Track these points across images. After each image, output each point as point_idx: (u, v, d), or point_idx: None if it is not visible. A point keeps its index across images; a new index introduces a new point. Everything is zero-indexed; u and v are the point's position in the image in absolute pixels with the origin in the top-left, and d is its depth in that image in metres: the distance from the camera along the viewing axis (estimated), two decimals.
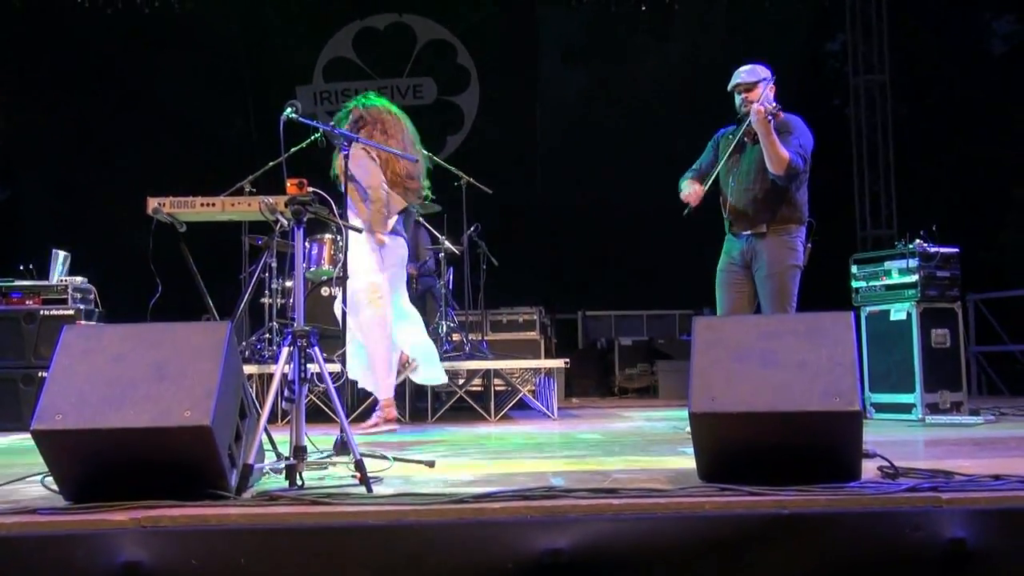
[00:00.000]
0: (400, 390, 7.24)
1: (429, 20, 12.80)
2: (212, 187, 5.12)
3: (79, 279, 7.53)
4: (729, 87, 5.89)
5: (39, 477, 3.67)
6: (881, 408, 7.36)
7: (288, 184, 4.07)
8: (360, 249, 5.95)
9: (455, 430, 6.97)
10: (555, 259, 12.01)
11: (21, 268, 7.51)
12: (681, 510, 3.19)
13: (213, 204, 4.35)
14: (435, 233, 8.57)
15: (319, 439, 4.59)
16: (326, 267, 6.34)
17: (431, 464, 4.42)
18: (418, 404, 7.91)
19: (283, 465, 3.80)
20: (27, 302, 7.31)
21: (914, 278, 7.25)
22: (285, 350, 3.86)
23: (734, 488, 3.34)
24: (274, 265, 8.08)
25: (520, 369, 8.50)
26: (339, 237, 6.36)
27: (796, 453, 3.51)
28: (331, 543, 3.06)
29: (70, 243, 7.97)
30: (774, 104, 5.59)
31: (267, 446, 4.14)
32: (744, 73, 5.84)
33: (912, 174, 12.67)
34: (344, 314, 5.00)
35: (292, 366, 3.87)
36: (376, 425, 5.78)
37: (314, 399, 6.99)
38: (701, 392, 3.62)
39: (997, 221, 12.52)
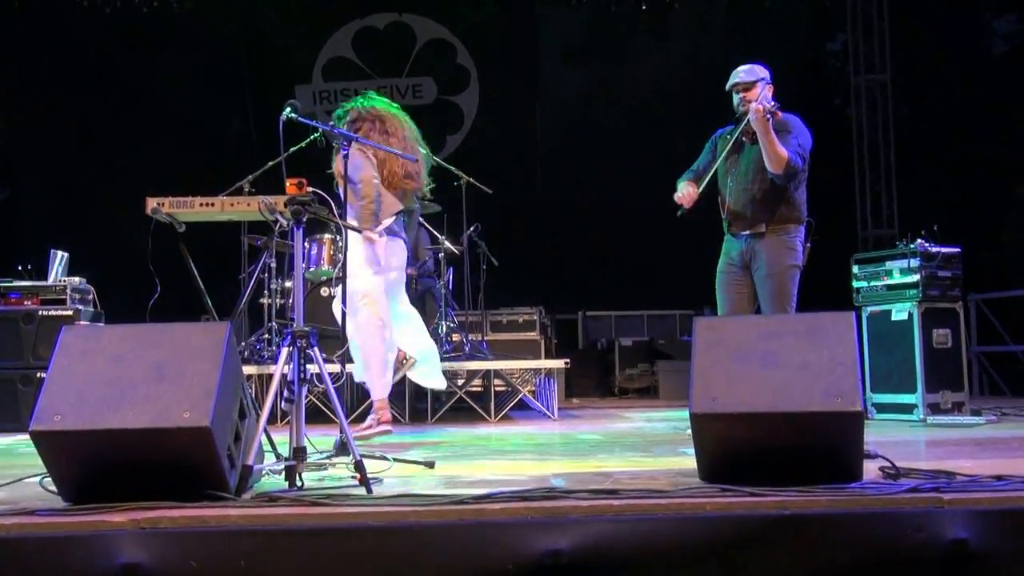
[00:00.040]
0: (400, 390, 7.23)
1: (429, 20, 12.78)
2: (211, 187, 5.11)
3: (78, 279, 7.51)
4: (727, 87, 5.88)
5: (38, 478, 3.66)
6: (882, 408, 7.35)
7: (287, 184, 4.06)
8: (356, 250, 5.91)
9: (455, 431, 6.96)
10: (555, 259, 12.00)
11: (20, 268, 7.50)
12: (682, 511, 3.18)
13: (212, 204, 4.34)
14: (435, 233, 8.56)
15: (318, 440, 4.58)
16: (325, 267, 6.33)
17: (431, 465, 4.41)
18: (418, 405, 7.89)
19: (283, 466, 3.79)
20: (25, 302, 7.29)
21: (915, 278, 7.23)
22: (284, 350, 3.86)
23: (735, 489, 3.34)
24: (273, 265, 8.06)
25: (520, 369, 8.49)
26: (338, 237, 6.35)
27: (797, 454, 3.51)
28: (331, 544, 3.06)
29: (69, 243, 7.95)
30: (772, 103, 5.58)
31: (266, 447, 4.13)
32: (742, 73, 5.83)
33: (913, 174, 12.66)
34: (344, 314, 4.98)
35: (291, 367, 3.86)
36: (370, 427, 5.74)
37: (313, 400, 6.97)
38: (702, 393, 3.61)
39: (998, 221, 12.50)
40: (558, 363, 8.35)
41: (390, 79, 12.73)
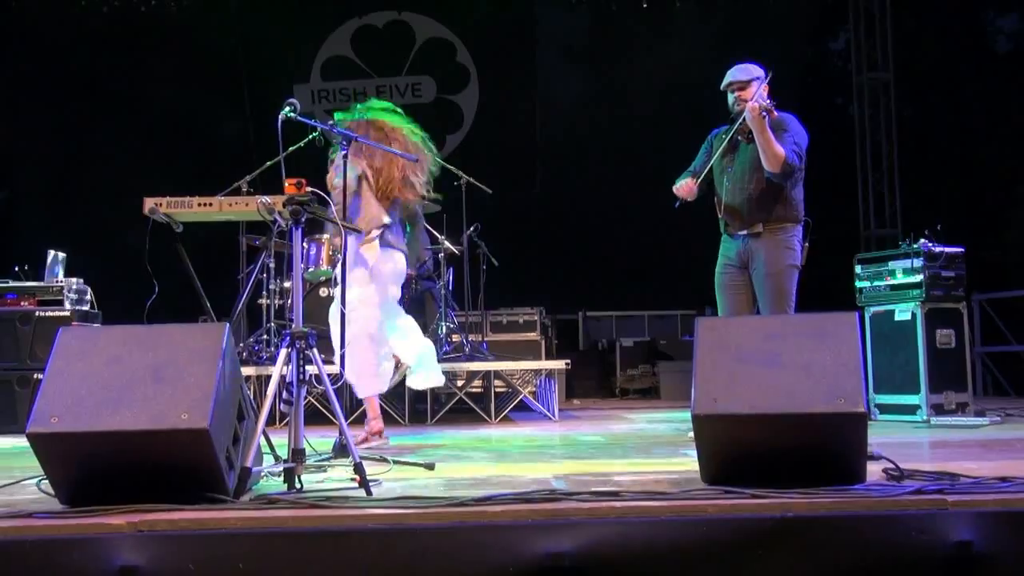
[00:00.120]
0: (400, 392, 7.20)
1: (428, 18, 12.76)
2: (209, 187, 5.09)
3: (75, 280, 7.49)
4: (722, 86, 5.87)
5: (35, 480, 3.65)
6: (885, 409, 7.32)
7: (286, 184, 4.04)
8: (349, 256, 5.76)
9: (455, 432, 6.95)
10: (555, 259, 11.96)
11: (16, 269, 7.47)
12: (684, 513, 3.17)
13: (210, 204, 4.33)
14: (435, 233, 8.54)
15: (318, 442, 4.57)
16: (324, 267, 6.29)
17: (431, 467, 4.39)
18: (418, 406, 7.87)
19: (281, 468, 3.78)
20: (22, 303, 7.27)
21: (919, 278, 7.21)
22: (283, 351, 3.84)
23: (737, 491, 3.33)
24: (272, 266, 8.04)
25: (520, 370, 8.46)
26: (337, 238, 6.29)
27: (800, 455, 3.49)
28: (330, 547, 3.04)
29: (66, 243, 7.92)
30: (768, 101, 5.56)
31: (265, 449, 4.12)
32: (737, 71, 5.82)
33: (916, 173, 12.62)
34: (343, 315, 4.95)
35: (290, 368, 3.84)
36: (366, 440, 5.67)
37: (312, 401, 6.95)
38: (704, 394, 3.60)
39: (1002, 220, 12.46)
40: (559, 364, 8.33)
41: (389, 78, 12.71)
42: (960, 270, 7.29)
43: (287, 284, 7.89)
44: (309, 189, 4.06)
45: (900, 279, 7.37)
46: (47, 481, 3.44)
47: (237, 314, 5.37)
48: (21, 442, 3.70)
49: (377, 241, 5.62)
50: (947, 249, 7.30)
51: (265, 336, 7.99)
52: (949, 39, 13.10)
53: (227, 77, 12.31)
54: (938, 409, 7.06)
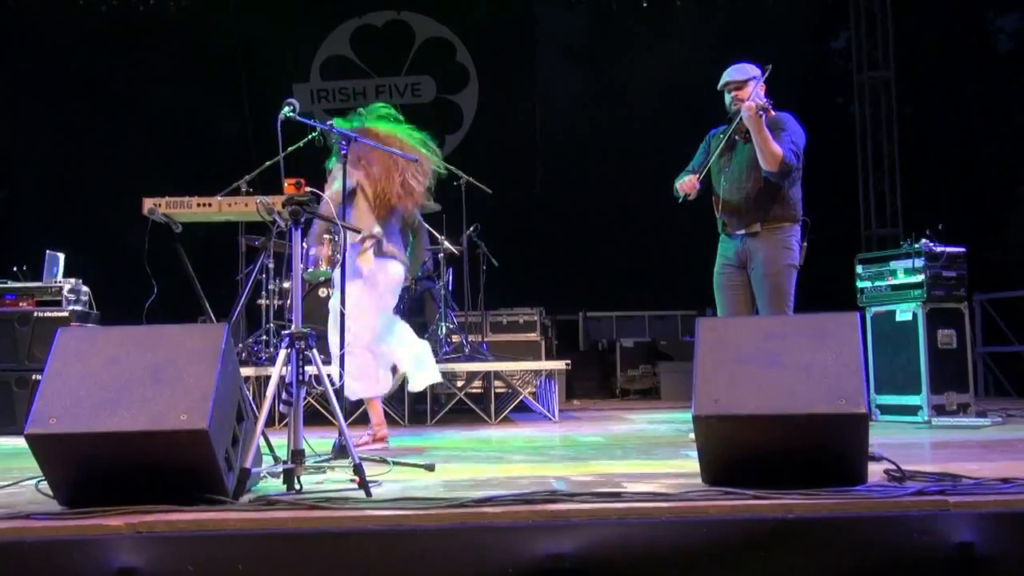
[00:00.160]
0: (399, 393, 7.19)
1: (428, 18, 12.74)
2: (208, 187, 5.07)
3: (73, 280, 7.47)
4: (719, 86, 5.87)
5: (33, 481, 3.64)
6: (887, 410, 7.32)
7: (285, 184, 4.03)
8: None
9: (455, 433, 6.94)
10: (555, 259, 11.94)
11: (15, 269, 7.46)
12: (685, 514, 3.16)
13: (209, 204, 4.32)
14: (434, 233, 8.52)
15: (317, 443, 4.56)
16: (324, 268, 6.27)
17: (431, 468, 4.38)
18: (417, 407, 7.86)
19: (281, 469, 3.77)
20: (21, 304, 7.25)
21: (920, 278, 7.21)
22: (283, 352, 3.83)
23: (738, 492, 3.32)
24: (271, 266, 8.03)
25: (520, 371, 8.45)
26: (337, 238, 6.26)
27: (801, 456, 3.49)
28: (330, 548, 3.04)
29: (65, 244, 7.91)
30: (765, 100, 5.56)
31: (264, 450, 4.11)
32: (734, 71, 5.82)
33: (917, 172, 12.59)
34: (342, 315, 4.94)
35: (290, 368, 3.83)
36: (367, 444, 5.65)
37: (312, 402, 6.94)
38: (704, 394, 3.59)
39: (1003, 220, 12.43)
40: (559, 364, 8.32)
41: (388, 78, 12.70)
42: (961, 270, 7.28)
43: (286, 285, 7.88)
44: (308, 189, 4.05)
45: (901, 279, 7.36)
46: (45, 482, 3.43)
47: (236, 315, 5.34)
48: (20, 443, 3.69)
49: (371, 252, 5.59)
50: (948, 249, 7.29)
51: (264, 337, 7.98)
52: (950, 38, 13.07)
53: (226, 77, 12.29)
54: (939, 410, 7.05)
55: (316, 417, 6.81)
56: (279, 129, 4.49)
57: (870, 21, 12.70)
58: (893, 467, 3.71)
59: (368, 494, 3.53)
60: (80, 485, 3.34)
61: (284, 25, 12.55)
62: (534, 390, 8.51)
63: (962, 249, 7.34)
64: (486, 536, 3.06)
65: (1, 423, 6.97)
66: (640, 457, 5.05)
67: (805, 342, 3.65)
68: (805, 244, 5.75)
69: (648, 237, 11.22)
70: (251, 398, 4.30)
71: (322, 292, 7.94)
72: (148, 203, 4.30)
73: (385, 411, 6.91)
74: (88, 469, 3.32)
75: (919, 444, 5.73)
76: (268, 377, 5.60)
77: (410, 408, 7.74)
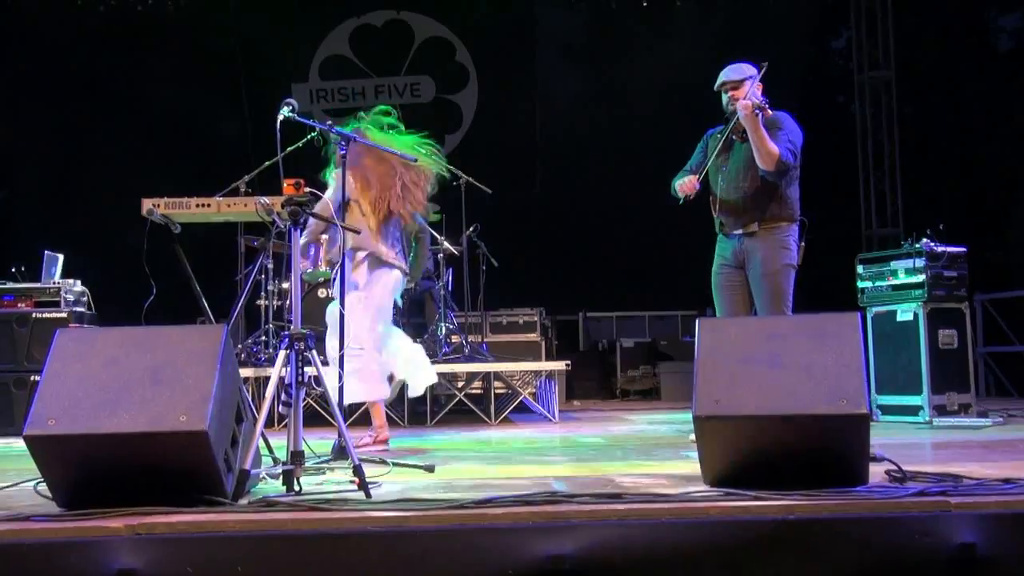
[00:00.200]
0: (399, 393, 7.17)
1: (427, 17, 12.72)
2: (207, 187, 5.07)
3: (72, 281, 7.46)
4: (715, 86, 5.87)
5: (32, 483, 3.64)
6: (888, 410, 7.31)
7: (285, 184, 4.02)
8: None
9: (455, 434, 6.93)
10: (555, 259, 11.93)
11: (13, 270, 7.45)
12: (686, 516, 3.16)
13: (208, 205, 4.31)
14: (434, 234, 8.51)
15: (317, 444, 4.54)
16: (323, 268, 6.26)
17: (430, 469, 4.37)
18: (417, 408, 7.84)
19: (280, 470, 3.75)
20: (19, 304, 7.24)
21: (921, 278, 7.20)
22: (282, 353, 3.82)
23: (739, 493, 3.32)
24: (270, 267, 8.02)
25: (520, 371, 8.44)
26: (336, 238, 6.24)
27: (802, 457, 3.48)
28: (329, 550, 3.03)
29: (63, 245, 7.89)
30: (761, 99, 5.56)
31: (264, 451, 4.10)
32: (730, 71, 5.82)
33: (918, 172, 12.57)
34: (342, 317, 4.93)
35: (289, 369, 3.82)
36: (367, 445, 5.64)
37: (311, 403, 6.93)
38: (705, 395, 3.59)
39: (1005, 220, 12.42)
40: (559, 365, 8.31)
41: (388, 78, 12.68)
42: (962, 270, 7.27)
43: (285, 285, 7.87)
44: (307, 190, 4.04)
45: (902, 279, 7.35)
46: (44, 484, 3.42)
47: (235, 315, 5.33)
48: (18, 444, 3.68)
49: (365, 264, 5.58)
50: (949, 249, 7.28)
51: (263, 337, 7.96)
52: (950, 38, 13.06)
53: (226, 77, 12.27)
54: (940, 410, 7.04)
55: (315, 418, 6.80)
56: (278, 129, 4.48)
57: (871, 20, 12.68)
58: (894, 468, 3.71)
59: (368, 495, 3.53)
60: (79, 487, 3.33)
61: (283, 25, 12.53)
62: (534, 391, 8.49)
63: (963, 249, 7.33)
64: (486, 537, 3.05)
65: (0, 424, 6.96)
66: (640, 458, 5.04)
67: (806, 342, 3.64)
68: (803, 244, 5.74)
69: (648, 237, 11.21)
70: (250, 399, 4.29)
71: (321, 293, 7.93)
72: (147, 203, 4.30)
73: (385, 412, 6.91)
74: (87, 470, 3.31)
75: (920, 444, 5.72)
76: (267, 378, 5.58)
77: (410, 409, 7.72)
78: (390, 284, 5.69)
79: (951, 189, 12.61)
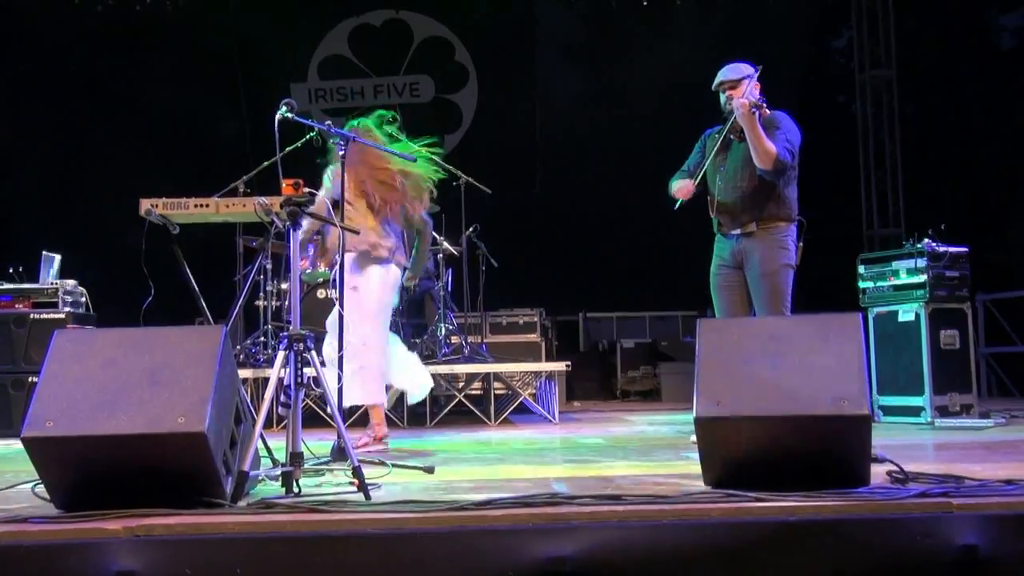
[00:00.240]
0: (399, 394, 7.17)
1: (426, 16, 12.71)
2: (208, 187, 5.05)
3: (70, 282, 7.44)
4: (713, 86, 5.87)
5: (30, 485, 3.62)
6: (889, 411, 7.29)
7: (283, 185, 4.01)
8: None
9: (454, 435, 6.92)
10: (555, 260, 11.92)
11: (11, 271, 7.43)
12: (687, 517, 3.15)
13: (207, 205, 4.29)
14: (435, 234, 8.50)
15: (316, 445, 4.53)
16: (322, 269, 6.25)
17: (430, 470, 4.36)
18: (417, 409, 7.83)
19: (279, 472, 3.74)
20: (17, 305, 7.23)
21: (922, 278, 7.18)
22: (281, 354, 3.80)
23: (741, 494, 3.31)
24: (269, 267, 8.00)
25: (520, 372, 8.42)
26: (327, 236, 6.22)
27: (804, 458, 3.47)
28: (329, 552, 3.02)
29: (61, 245, 7.88)
30: (758, 98, 5.55)
31: (263, 452, 4.08)
32: (728, 71, 5.82)
33: (919, 172, 12.56)
34: (341, 318, 4.91)
35: (288, 370, 3.80)
36: (366, 445, 5.62)
37: (311, 404, 6.91)
38: (706, 396, 3.58)
39: (1007, 220, 12.40)
40: (559, 366, 8.29)
41: (387, 77, 12.67)
42: (964, 270, 7.26)
43: (284, 286, 7.86)
44: (307, 190, 4.02)
45: (904, 279, 7.34)
46: (42, 486, 3.40)
47: (234, 316, 5.31)
48: (16, 446, 3.67)
49: (362, 262, 5.56)
50: (951, 249, 7.27)
51: (262, 338, 7.95)
52: (952, 37, 13.05)
53: (224, 77, 12.26)
54: (942, 411, 7.03)
55: (315, 419, 6.79)
56: (277, 129, 4.46)
57: (872, 20, 12.67)
58: (896, 469, 3.70)
59: (367, 497, 3.52)
60: (77, 488, 3.32)
61: (282, 24, 12.51)
62: (534, 391, 8.48)
63: (965, 249, 7.32)
64: (486, 539, 3.04)
65: None
66: (641, 459, 5.03)
67: (807, 343, 3.63)
68: (801, 244, 5.73)
69: (648, 237, 11.19)
70: (249, 400, 4.28)
71: (320, 293, 7.91)
72: (145, 204, 4.27)
73: (384, 413, 6.89)
74: (85, 472, 3.30)
75: (922, 445, 5.71)
76: (266, 379, 5.58)
77: (409, 410, 7.71)
78: (389, 280, 5.68)
79: (952, 189, 12.61)
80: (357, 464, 3.63)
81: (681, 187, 5.73)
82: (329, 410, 4.66)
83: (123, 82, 11.97)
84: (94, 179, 11.38)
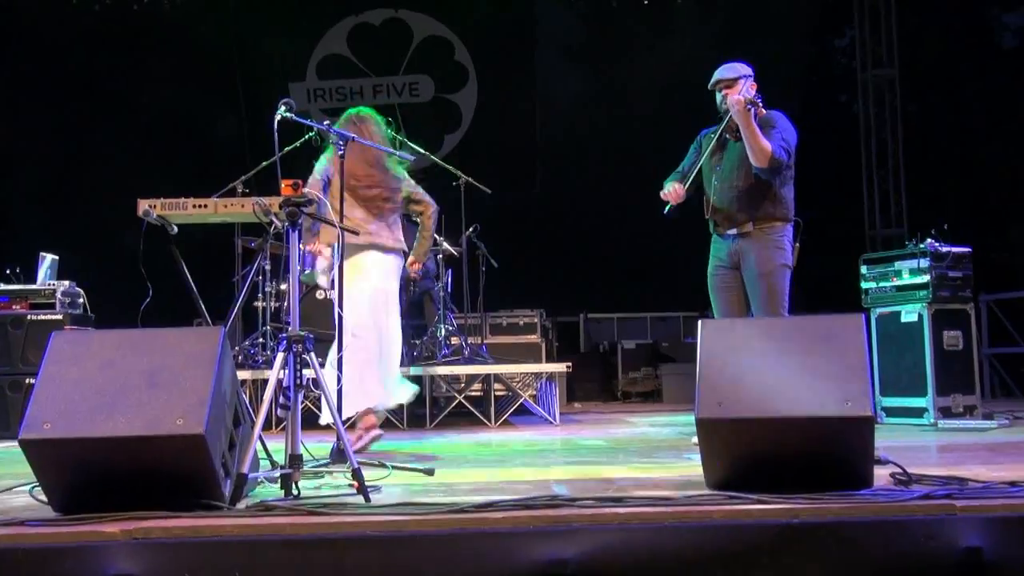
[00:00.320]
0: None
1: (426, 16, 12.69)
2: (208, 187, 5.04)
3: (67, 283, 7.43)
4: (709, 85, 5.88)
5: (27, 487, 3.60)
6: (892, 412, 7.28)
7: (283, 185, 3.99)
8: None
9: (454, 437, 6.90)
10: (556, 260, 11.91)
11: (8, 272, 7.42)
12: (689, 519, 3.14)
13: (205, 206, 4.26)
14: (434, 235, 8.47)
15: (315, 447, 4.51)
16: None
17: (430, 472, 4.34)
18: (416, 411, 7.82)
19: (278, 474, 3.73)
20: (14, 306, 7.22)
21: (925, 279, 7.17)
22: (280, 355, 3.78)
23: (743, 496, 3.30)
24: (268, 268, 7.99)
25: (521, 373, 8.41)
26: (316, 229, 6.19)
27: (806, 460, 3.46)
28: (328, 555, 3.01)
29: (58, 246, 7.87)
30: (753, 95, 5.54)
31: (262, 455, 4.07)
32: (724, 70, 5.82)
33: (922, 171, 12.55)
34: (340, 319, 4.89)
35: (287, 372, 3.78)
36: (360, 439, 5.59)
37: (310, 406, 6.88)
38: (707, 397, 3.57)
39: (1009, 219, 12.39)
40: (559, 367, 8.27)
41: (386, 77, 12.65)
42: (967, 270, 7.24)
43: (283, 287, 7.84)
44: (305, 190, 4.00)
45: (906, 280, 7.32)
46: (40, 488, 3.39)
47: (233, 317, 5.30)
48: (13, 448, 3.65)
49: (361, 254, 5.55)
50: (954, 249, 7.25)
51: (261, 339, 7.94)
52: (954, 35, 13.04)
53: (223, 76, 12.25)
54: (945, 412, 7.01)
55: (314, 421, 6.76)
56: (275, 129, 4.44)
57: (874, 18, 12.65)
58: (899, 470, 3.68)
59: (367, 499, 3.50)
60: (75, 491, 3.31)
61: (280, 23, 12.49)
62: (534, 393, 8.46)
63: (968, 249, 7.30)
64: (486, 542, 3.03)
65: None
66: (642, 461, 5.02)
67: (810, 344, 3.62)
68: (798, 245, 5.73)
69: (649, 237, 11.10)
70: (248, 402, 4.26)
71: (320, 294, 7.89)
72: (143, 204, 4.25)
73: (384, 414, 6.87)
74: (83, 475, 3.29)
75: (925, 447, 5.70)
76: (265, 380, 5.56)
77: (409, 412, 7.69)
78: (391, 269, 5.68)
79: (954, 188, 12.59)
80: (357, 466, 3.62)
81: (671, 192, 5.72)
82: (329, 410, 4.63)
83: (121, 82, 11.97)
84: (92, 179, 11.38)
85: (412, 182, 5.94)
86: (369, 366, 5.53)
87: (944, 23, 13.12)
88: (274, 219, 4.09)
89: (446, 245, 8.46)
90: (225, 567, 2.94)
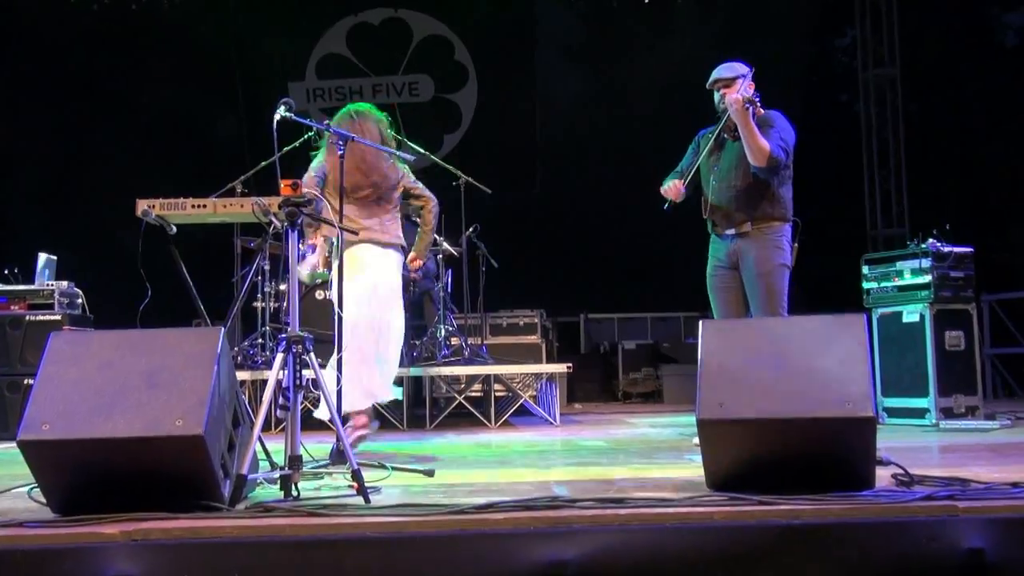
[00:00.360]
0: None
1: (426, 15, 12.67)
2: (207, 187, 5.03)
3: (66, 283, 7.42)
4: (708, 85, 5.87)
5: (26, 488, 3.60)
6: (894, 413, 7.27)
7: (282, 185, 3.98)
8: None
9: (454, 438, 6.89)
10: (556, 260, 11.90)
11: (6, 272, 7.41)
12: (689, 520, 3.14)
13: (204, 206, 4.25)
14: (434, 235, 8.46)
15: (315, 448, 4.51)
16: (321, 269, 6.21)
17: (430, 473, 4.34)
18: (416, 411, 7.81)
19: (278, 475, 3.73)
20: (12, 307, 7.21)
21: (927, 279, 7.15)
22: (279, 356, 3.77)
23: (744, 497, 3.29)
24: (267, 268, 7.98)
25: (521, 374, 8.39)
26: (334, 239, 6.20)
27: (808, 461, 3.46)
28: (328, 556, 3.01)
29: (57, 246, 7.86)
30: (751, 95, 5.53)
31: (261, 456, 4.06)
32: (723, 70, 5.82)
33: (923, 171, 12.54)
34: (339, 318, 4.88)
35: (287, 372, 3.77)
36: (353, 432, 5.56)
37: (309, 406, 6.87)
38: (709, 398, 3.56)
39: (1011, 219, 12.37)
40: (560, 367, 8.26)
41: (386, 76, 12.64)
42: (969, 270, 7.22)
43: (283, 287, 7.83)
44: (304, 189, 3.99)
45: (908, 280, 7.31)
46: (38, 489, 3.39)
47: (232, 318, 5.29)
48: (12, 449, 3.64)
49: (360, 250, 5.53)
50: (956, 249, 7.24)
51: (260, 340, 7.93)
52: (955, 35, 13.03)
53: (222, 76, 12.24)
54: (947, 412, 7.00)
55: (313, 422, 6.75)
56: (275, 129, 4.43)
57: (875, 18, 12.64)
58: (901, 471, 3.68)
59: (367, 500, 3.50)
60: (74, 492, 3.30)
61: (279, 23, 12.48)
62: (535, 393, 8.44)
63: (970, 249, 7.28)
64: (486, 543, 3.03)
65: None
66: (643, 462, 5.01)
67: (811, 345, 3.62)
68: (796, 245, 5.72)
69: (649, 237, 11.12)
70: (247, 402, 4.25)
71: (319, 294, 7.88)
72: (142, 204, 4.24)
73: (383, 415, 6.87)
74: (82, 476, 3.28)
75: (927, 448, 5.68)
76: (264, 381, 5.55)
77: (409, 412, 7.69)
78: (390, 264, 5.66)
79: (955, 188, 12.58)
80: (356, 467, 3.61)
81: (670, 188, 5.72)
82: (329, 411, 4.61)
83: (121, 82, 11.96)
84: (92, 179, 11.37)
85: (412, 177, 5.92)
86: (366, 363, 5.51)
87: (945, 23, 13.10)
88: (273, 219, 4.08)
89: (446, 245, 8.45)
90: (224, 568, 2.94)
